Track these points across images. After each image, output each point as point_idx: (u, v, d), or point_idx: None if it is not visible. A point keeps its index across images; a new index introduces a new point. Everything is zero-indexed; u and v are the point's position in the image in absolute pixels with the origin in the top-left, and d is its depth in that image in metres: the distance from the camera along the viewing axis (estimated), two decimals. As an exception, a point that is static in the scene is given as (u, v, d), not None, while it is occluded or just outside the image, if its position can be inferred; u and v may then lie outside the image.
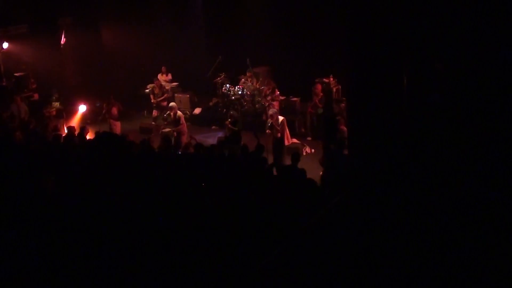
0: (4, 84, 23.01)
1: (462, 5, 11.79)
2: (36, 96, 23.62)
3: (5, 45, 23.33)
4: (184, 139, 17.91)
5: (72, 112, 22.43)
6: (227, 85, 22.08)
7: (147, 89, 23.65)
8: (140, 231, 8.61)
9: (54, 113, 22.01)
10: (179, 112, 18.78)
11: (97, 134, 15.85)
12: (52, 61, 23.35)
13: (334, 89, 20.04)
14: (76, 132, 16.19)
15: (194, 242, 8.22)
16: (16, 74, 23.73)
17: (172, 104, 19.46)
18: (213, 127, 21.66)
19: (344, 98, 17.52)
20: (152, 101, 22.50)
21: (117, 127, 19.81)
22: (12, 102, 20.71)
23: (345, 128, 15.35)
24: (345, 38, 13.46)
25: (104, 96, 22.68)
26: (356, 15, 12.87)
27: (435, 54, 12.10)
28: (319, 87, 19.56)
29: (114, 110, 19.79)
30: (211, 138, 19.59)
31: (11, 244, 8.44)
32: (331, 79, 20.07)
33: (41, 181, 10.75)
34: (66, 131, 17.08)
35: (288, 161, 14.68)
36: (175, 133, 18.42)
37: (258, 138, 14.49)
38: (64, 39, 24.07)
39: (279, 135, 16.59)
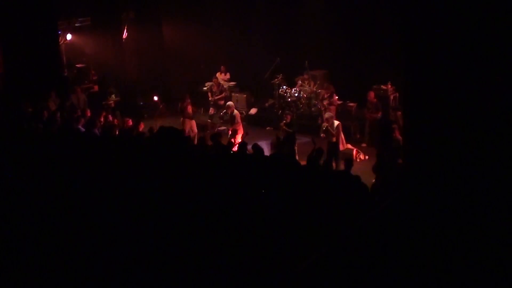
0: (65, 74, 23.46)
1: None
2: (96, 87, 24.04)
3: (69, 36, 23.81)
4: (239, 138, 17.95)
5: (129, 104, 22.74)
6: (284, 86, 22.08)
7: (205, 87, 23.83)
8: (185, 228, 8.66)
9: (112, 105, 22.34)
10: (235, 111, 18.84)
11: (150, 128, 16.02)
12: (113, 54, 23.67)
13: (392, 97, 19.84)
14: (133, 125, 16.39)
15: (245, 243, 8.24)
16: (77, 66, 24.20)
17: (229, 103, 19.55)
18: (268, 128, 21.67)
19: (401, 106, 17.32)
20: (209, 99, 22.68)
21: (192, 125, 19.86)
22: (72, 93, 21.10)
23: (400, 137, 15.21)
24: (403, 48, 13.38)
25: (162, 91, 23.00)
26: (414, 27, 12.79)
27: (496, 67, 11.90)
28: (371, 94, 19.37)
29: (189, 109, 19.84)
30: (265, 139, 19.61)
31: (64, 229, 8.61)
32: (389, 86, 19.89)
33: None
34: (123, 124, 17.32)
35: (342, 166, 14.63)
36: (230, 131, 18.51)
37: (315, 143, 14.41)
38: (126, 33, 24.41)
39: (334, 139, 16.52)
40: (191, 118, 19.89)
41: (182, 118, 19.80)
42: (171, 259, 7.76)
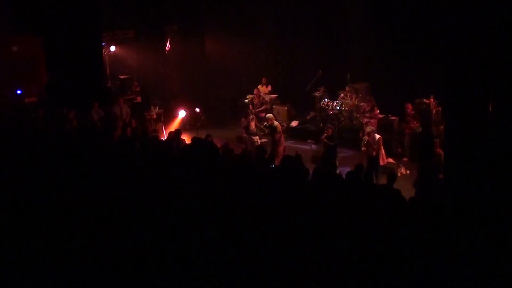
0: (108, 85, 23.76)
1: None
2: (138, 99, 24.29)
3: (113, 48, 24.14)
4: (281, 150, 17.94)
5: (171, 116, 22.89)
6: (326, 99, 22.04)
7: (246, 99, 23.89)
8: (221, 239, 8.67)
9: (154, 116, 22.52)
10: (275, 122, 18.83)
11: (193, 138, 16.08)
12: (156, 66, 23.88)
13: (434, 111, 19.64)
14: (173, 136, 16.46)
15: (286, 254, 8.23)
16: (120, 77, 24.50)
17: (269, 115, 19.56)
18: (309, 140, 21.63)
19: (443, 121, 17.14)
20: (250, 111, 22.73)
21: (257, 140, 19.74)
22: (115, 103, 21.34)
23: (441, 152, 15.04)
24: (447, 61, 13.29)
25: (204, 103, 23.11)
26: (458, 41, 12.72)
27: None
28: (409, 106, 19.26)
29: (253, 125, 19.87)
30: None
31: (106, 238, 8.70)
32: (432, 100, 19.70)
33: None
34: (165, 135, 17.42)
35: (382, 181, 14.51)
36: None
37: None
38: (169, 45, 24.63)
39: (374, 153, 16.43)
40: (255, 135, 19.89)
41: (244, 135, 19.88)
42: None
